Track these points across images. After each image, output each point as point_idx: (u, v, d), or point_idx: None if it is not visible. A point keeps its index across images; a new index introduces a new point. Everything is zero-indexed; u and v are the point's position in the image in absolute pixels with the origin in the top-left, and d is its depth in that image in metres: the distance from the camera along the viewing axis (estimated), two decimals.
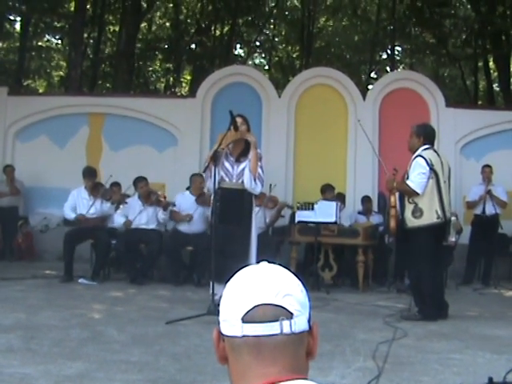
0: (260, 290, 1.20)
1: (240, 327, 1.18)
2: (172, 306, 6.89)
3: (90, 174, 9.45)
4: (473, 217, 10.31)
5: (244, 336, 1.18)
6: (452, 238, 9.18)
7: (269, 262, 1.29)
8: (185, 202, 9.40)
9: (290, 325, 1.18)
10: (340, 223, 9.12)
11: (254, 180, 6.63)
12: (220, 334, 1.24)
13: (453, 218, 9.21)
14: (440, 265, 6.93)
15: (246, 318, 1.18)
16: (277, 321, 1.17)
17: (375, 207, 10.85)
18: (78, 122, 12.03)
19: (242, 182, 6.63)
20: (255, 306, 1.18)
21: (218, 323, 1.24)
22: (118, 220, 9.32)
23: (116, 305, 6.94)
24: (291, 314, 1.19)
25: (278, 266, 1.27)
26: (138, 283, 8.64)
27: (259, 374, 1.17)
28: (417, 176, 6.48)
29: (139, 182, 9.38)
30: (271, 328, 1.17)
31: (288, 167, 11.55)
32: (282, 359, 1.17)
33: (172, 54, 23.63)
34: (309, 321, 1.23)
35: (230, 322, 1.20)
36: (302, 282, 1.27)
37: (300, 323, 1.20)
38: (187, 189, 9.62)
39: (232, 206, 6.58)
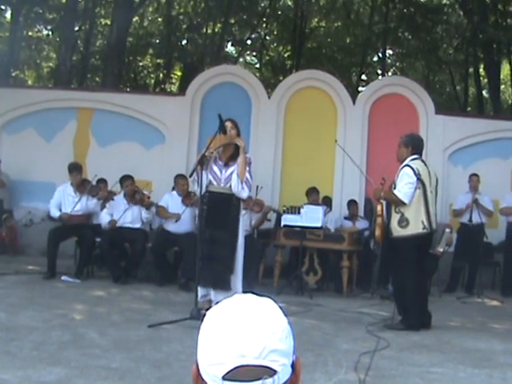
0: (243, 348, 1.13)
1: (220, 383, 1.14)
2: (155, 308, 6.85)
3: (75, 169, 9.36)
4: (459, 225, 10.31)
5: None
6: (440, 249, 9.26)
7: (254, 294, 1.23)
8: (172, 201, 9.36)
9: (273, 381, 1.13)
10: (326, 227, 9.12)
11: (241, 184, 6.53)
12: (199, 373, 1.19)
13: (447, 230, 9.42)
14: (424, 274, 6.93)
15: (227, 376, 1.13)
16: (259, 379, 1.12)
17: (361, 212, 10.85)
18: (66, 116, 11.95)
19: (230, 186, 6.55)
20: (237, 367, 1.13)
21: (196, 360, 1.19)
22: (104, 219, 9.27)
23: (98, 305, 6.89)
24: (275, 371, 1.14)
25: (262, 305, 1.20)
26: (122, 282, 8.62)
27: None
28: (404, 186, 6.48)
29: (125, 180, 9.34)
30: None
31: (276, 169, 11.56)
32: None
33: (163, 49, 23.52)
34: (292, 365, 1.18)
35: (210, 376, 1.15)
36: (283, 309, 1.22)
37: (284, 376, 1.15)
38: (173, 189, 9.59)
39: (219, 210, 6.53)
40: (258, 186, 9.47)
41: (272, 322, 1.17)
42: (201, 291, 6.35)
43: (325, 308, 7.57)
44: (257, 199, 9.53)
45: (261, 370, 1.13)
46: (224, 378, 1.13)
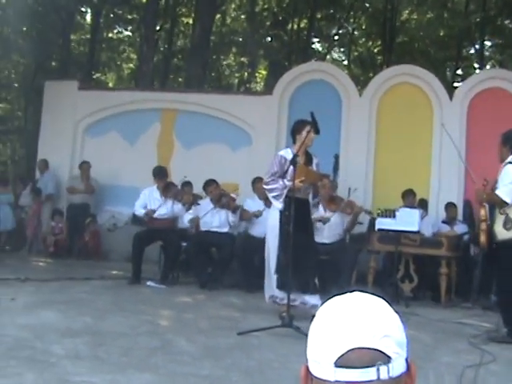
0: (355, 330, 1.12)
1: (332, 372, 1.11)
2: (244, 315, 6.86)
3: (160, 173, 9.57)
4: None
5: (337, 381, 1.11)
6: None
7: (361, 292, 1.23)
8: (255, 207, 9.40)
9: (388, 370, 1.10)
10: (422, 232, 8.95)
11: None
12: (308, 372, 1.17)
13: None
14: None
15: (340, 362, 1.11)
16: (373, 366, 1.10)
17: (460, 215, 10.58)
18: (149, 117, 12.11)
19: (308, 193, 6.87)
20: (350, 350, 1.11)
21: (306, 360, 1.18)
22: (187, 218, 9.35)
23: (185, 311, 6.95)
24: (389, 357, 1.11)
25: (373, 299, 1.20)
26: (209, 289, 8.64)
27: None
28: (507, 185, 6.27)
29: (208, 186, 9.41)
30: (367, 374, 1.09)
31: (368, 170, 11.40)
32: None
33: (247, 47, 23.61)
34: (407, 360, 1.15)
35: (321, 365, 1.13)
36: (397, 313, 1.20)
37: (398, 367, 1.13)
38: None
39: (302, 215, 6.60)
40: (350, 189, 9.40)
41: (386, 312, 1.18)
42: (283, 295, 6.41)
43: (422, 318, 7.39)
44: (348, 200, 9.42)
45: (375, 355, 1.11)
46: (336, 364, 1.11)
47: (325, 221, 8.87)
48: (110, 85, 25.06)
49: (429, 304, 8.69)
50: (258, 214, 9.25)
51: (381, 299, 1.21)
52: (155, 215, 9.21)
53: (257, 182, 9.38)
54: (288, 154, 6.79)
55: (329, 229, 9.03)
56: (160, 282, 8.84)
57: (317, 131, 6.64)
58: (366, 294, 1.22)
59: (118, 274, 9.48)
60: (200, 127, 11.96)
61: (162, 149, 12.08)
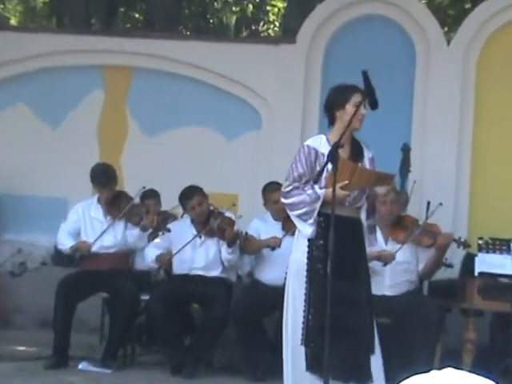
0: None
1: None
2: None
3: (105, 177, 8.83)
4: None
5: None
6: None
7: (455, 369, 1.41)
8: (267, 232, 8.80)
9: None
10: None
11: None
12: None
13: None
14: None
15: None
16: None
17: None
18: (83, 81, 11.25)
19: (360, 207, 6.61)
20: None
21: None
22: (151, 253, 8.75)
23: None
24: None
25: (478, 381, 1.47)
26: (186, 375, 8.07)
27: None
28: None
29: (188, 198, 8.72)
30: None
31: (461, 172, 10.48)
32: None
33: None
34: None
35: None
36: None
37: None
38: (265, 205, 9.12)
39: (348, 247, 6.37)
40: (429, 203, 8.62)
41: None
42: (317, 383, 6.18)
43: None
44: (427, 223, 8.53)
45: None
46: None
47: (387, 259, 8.20)
48: (13, 22, 24.76)
49: None
50: (272, 245, 8.53)
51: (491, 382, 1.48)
52: (94, 249, 8.60)
53: (270, 191, 8.77)
54: (321, 143, 6.44)
55: (393, 272, 8.32)
56: (102, 363, 8.22)
57: (373, 104, 6.36)
58: (467, 374, 1.55)
59: (29, 352, 8.84)
60: (172, 99, 11.16)
61: (108, 135, 11.27)
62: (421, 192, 9.50)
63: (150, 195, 9.29)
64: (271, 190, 8.73)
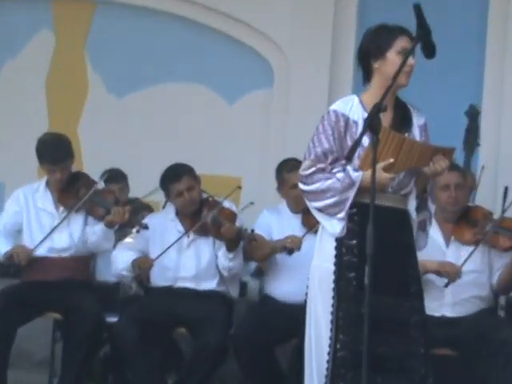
0: None
1: None
2: None
3: (57, 151, 8.31)
4: None
5: None
6: None
7: None
8: (281, 229, 8.32)
9: None
10: None
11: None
12: None
13: None
14: None
15: None
16: None
17: None
18: (26, 20, 10.94)
19: (406, 194, 6.08)
20: None
21: None
22: (121, 258, 8.28)
23: None
24: None
25: None
26: None
27: None
28: None
29: (177, 179, 8.25)
30: None
31: None
32: None
33: None
34: None
35: None
36: None
37: None
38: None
39: (392, 249, 5.83)
40: (506, 188, 8.37)
41: None
42: None
43: None
44: (504, 218, 8.04)
45: None
46: None
47: (451, 275, 7.87)
48: None
49: None
50: (289, 247, 8.03)
51: None
52: (42, 252, 8.14)
53: (287, 171, 8.25)
54: (353, 107, 5.88)
55: (457, 285, 7.80)
56: None
57: (428, 51, 5.75)
58: None
59: None
60: (150, 45, 10.72)
61: (60, 94, 10.86)
62: (494, 174, 9.22)
63: (113, 178, 8.89)
64: (288, 169, 8.15)
